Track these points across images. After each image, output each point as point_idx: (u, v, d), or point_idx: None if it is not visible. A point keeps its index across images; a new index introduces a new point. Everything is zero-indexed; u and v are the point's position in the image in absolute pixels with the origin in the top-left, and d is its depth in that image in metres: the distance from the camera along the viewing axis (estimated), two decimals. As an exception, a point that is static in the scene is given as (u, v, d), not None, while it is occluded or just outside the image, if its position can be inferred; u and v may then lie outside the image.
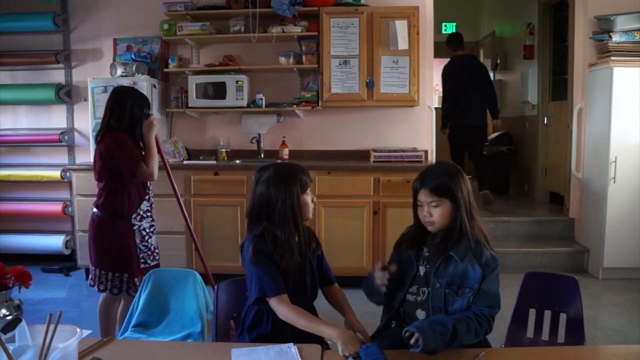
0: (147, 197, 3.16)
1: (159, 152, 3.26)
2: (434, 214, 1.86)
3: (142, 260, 3.10)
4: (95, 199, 3.12)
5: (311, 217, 2.04)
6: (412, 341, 1.61)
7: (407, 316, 1.91)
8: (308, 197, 1.99)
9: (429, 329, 1.62)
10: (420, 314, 1.87)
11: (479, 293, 1.82)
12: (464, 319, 1.74)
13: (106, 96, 4.63)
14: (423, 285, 1.89)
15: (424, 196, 1.87)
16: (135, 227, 3.07)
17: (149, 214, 3.17)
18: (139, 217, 3.10)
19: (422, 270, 1.90)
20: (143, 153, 3.10)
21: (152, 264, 3.15)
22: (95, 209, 3.09)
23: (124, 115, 3.04)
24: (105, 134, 3.04)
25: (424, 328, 1.62)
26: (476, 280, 1.82)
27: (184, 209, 3.65)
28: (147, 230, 3.14)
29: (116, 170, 3.00)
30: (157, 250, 3.23)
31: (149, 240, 3.15)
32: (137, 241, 3.08)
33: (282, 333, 1.94)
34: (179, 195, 3.64)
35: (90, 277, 3.16)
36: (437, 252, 1.88)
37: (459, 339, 1.68)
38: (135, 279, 3.05)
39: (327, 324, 1.83)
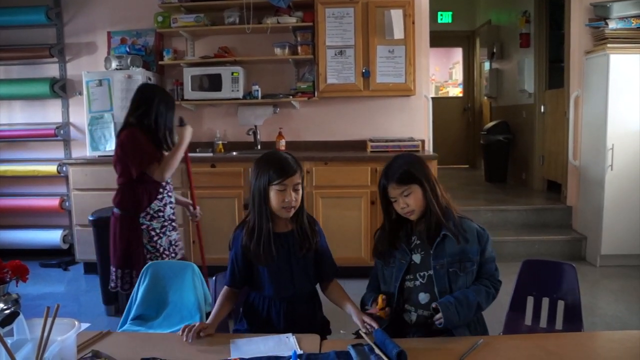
0: (159, 196, 3.03)
1: (185, 161, 3.23)
2: (409, 202, 1.91)
3: (150, 260, 2.92)
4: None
5: (286, 216, 1.96)
6: (436, 318, 1.78)
7: (408, 301, 1.94)
8: (273, 193, 1.91)
9: (453, 309, 1.78)
10: (423, 296, 1.92)
11: (483, 263, 1.95)
12: (483, 290, 1.90)
13: (101, 89, 4.69)
14: (421, 270, 1.93)
15: (393, 190, 1.92)
16: (144, 227, 2.98)
17: (161, 214, 3.03)
18: (148, 217, 2.99)
19: (417, 258, 1.95)
20: (164, 153, 3.04)
21: None
22: (114, 207, 3.07)
23: (148, 113, 2.97)
24: (123, 129, 3.00)
25: (449, 308, 1.78)
26: (475, 253, 1.92)
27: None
28: (157, 231, 3.02)
29: (127, 166, 2.96)
30: (166, 252, 3.08)
31: (158, 241, 3.02)
32: (145, 241, 2.99)
33: (277, 320, 1.96)
34: (195, 197, 3.56)
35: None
36: (428, 236, 1.93)
37: (482, 309, 1.90)
38: None
39: (217, 316, 1.91)
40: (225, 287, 2.03)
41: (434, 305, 1.80)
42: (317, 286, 2.12)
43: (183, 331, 1.75)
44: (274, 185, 1.90)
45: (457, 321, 1.79)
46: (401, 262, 1.95)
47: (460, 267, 1.89)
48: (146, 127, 2.97)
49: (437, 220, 1.90)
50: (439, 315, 1.77)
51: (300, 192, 1.96)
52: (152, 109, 2.98)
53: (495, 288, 1.95)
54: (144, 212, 2.99)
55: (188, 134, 3.15)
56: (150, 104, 2.98)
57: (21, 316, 1.47)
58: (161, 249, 3.06)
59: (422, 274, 1.93)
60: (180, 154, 3.08)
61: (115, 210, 3.04)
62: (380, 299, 1.85)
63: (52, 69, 5.30)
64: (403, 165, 1.94)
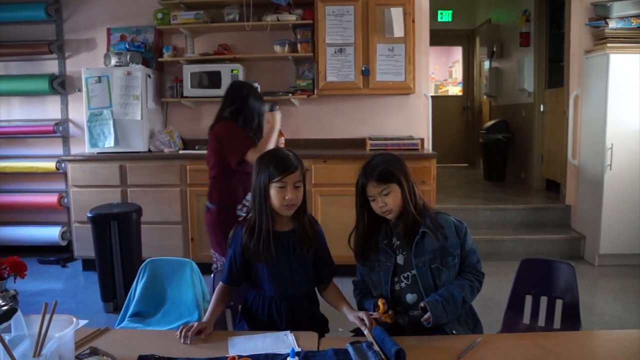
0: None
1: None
2: (388, 201, 1.90)
3: None
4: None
5: (287, 214, 1.94)
6: (424, 318, 1.78)
7: (397, 303, 1.94)
8: (274, 190, 1.89)
9: (440, 307, 1.79)
10: (410, 297, 1.93)
11: (465, 256, 1.95)
12: (467, 284, 1.90)
13: (101, 86, 4.68)
14: (405, 271, 1.94)
15: (373, 189, 1.91)
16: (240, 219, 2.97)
17: None
18: (245, 209, 2.97)
19: (400, 259, 1.95)
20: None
21: None
22: (207, 202, 3.09)
23: (243, 108, 3.04)
24: (216, 123, 3.06)
25: (437, 306, 1.78)
26: (455, 247, 1.93)
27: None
28: None
29: (223, 159, 2.98)
30: None
31: None
32: None
33: (278, 319, 1.96)
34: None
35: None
36: (407, 235, 1.93)
37: (467, 304, 1.91)
38: None
39: (214, 314, 1.90)
40: (221, 283, 2.02)
41: (422, 304, 1.80)
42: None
43: (181, 332, 1.74)
44: (274, 183, 1.88)
45: (445, 319, 1.81)
46: (386, 264, 1.94)
47: (442, 263, 1.90)
48: (241, 121, 3.05)
49: (414, 218, 1.91)
50: (428, 315, 1.77)
51: (302, 190, 1.94)
52: (247, 104, 3.07)
53: (479, 281, 1.95)
54: (240, 205, 2.98)
55: (278, 118, 3.21)
56: (245, 101, 3.07)
57: (19, 312, 1.47)
58: None
59: (406, 274, 1.93)
60: (273, 138, 3.13)
61: (211, 205, 3.05)
62: (380, 302, 1.84)
63: (51, 65, 5.29)
64: (382, 164, 1.94)
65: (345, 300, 2.02)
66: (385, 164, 1.93)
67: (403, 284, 1.94)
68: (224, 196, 2.99)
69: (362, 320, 1.76)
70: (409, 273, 1.93)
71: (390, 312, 1.82)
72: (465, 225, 1.98)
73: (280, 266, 1.95)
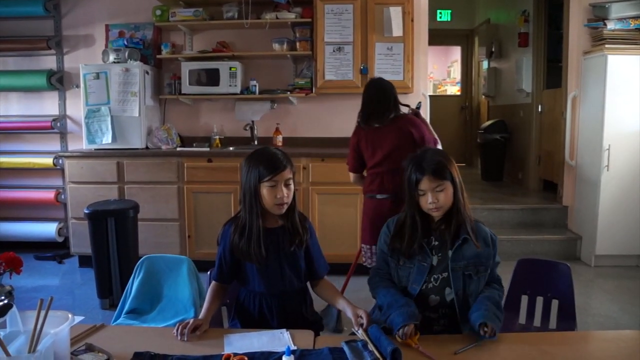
0: None
1: None
2: (440, 198, 1.85)
3: None
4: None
5: (279, 213, 1.93)
6: (489, 333, 1.67)
7: (419, 303, 1.86)
8: (265, 190, 1.88)
9: (495, 318, 1.72)
10: (434, 299, 1.89)
11: (492, 268, 1.92)
12: (497, 296, 1.87)
13: (99, 82, 4.67)
14: (436, 272, 1.89)
15: (427, 183, 1.85)
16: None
17: None
18: None
19: (434, 260, 1.90)
20: None
21: None
22: (380, 194, 3.09)
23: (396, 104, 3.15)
24: (396, 117, 3.12)
25: (493, 318, 1.71)
26: (488, 258, 1.89)
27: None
28: None
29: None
30: None
31: None
32: None
33: (269, 316, 1.97)
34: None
35: None
36: (447, 238, 1.89)
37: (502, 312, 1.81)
38: None
39: (209, 311, 1.91)
40: (214, 282, 2.03)
41: (480, 324, 1.69)
42: (308, 283, 2.10)
43: (177, 329, 1.74)
44: (265, 182, 1.87)
45: (499, 326, 1.73)
46: (422, 264, 1.89)
47: (475, 271, 1.87)
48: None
49: (461, 221, 1.87)
50: (490, 329, 1.67)
51: (292, 187, 1.93)
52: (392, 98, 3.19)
53: (502, 291, 1.93)
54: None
55: None
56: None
57: (14, 308, 1.47)
58: None
59: (436, 276, 1.89)
60: None
61: (387, 196, 3.06)
62: (413, 329, 1.67)
63: (49, 61, 5.28)
64: (437, 157, 1.90)
65: (340, 294, 2.02)
66: (440, 158, 1.89)
67: (430, 285, 1.89)
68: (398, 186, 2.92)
69: (359, 318, 1.74)
70: (439, 275, 1.88)
71: (417, 335, 1.69)
72: (497, 238, 1.95)
73: (270, 263, 1.94)
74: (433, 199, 1.84)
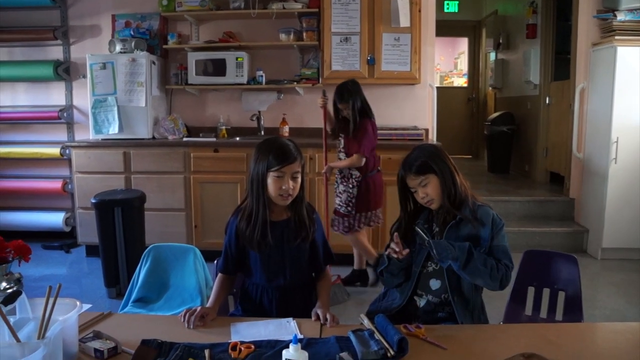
0: None
1: None
2: (428, 192, 1.93)
3: None
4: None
5: (283, 204, 1.93)
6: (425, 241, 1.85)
7: (420, 287, 1.97)
8: (271, 179, 1.87)
9: (444, 243, 1.83)
10: (434, 282, 1.95)
11: (490, 250, 1.90)
12: (483, 254, 1.87)
13: (105, 73, 4.68)
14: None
15: (411, 181, 1.96)
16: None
17: None
18: None
19: None
20: None
21: None
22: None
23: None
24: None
25: (441, 243, 1.83)
26: (486, 239, 1.90)
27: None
28: None
29: None
30: None
31: None
32: None
33: (269, 308, 1.97)
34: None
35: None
36: (444, 223, 1.95)
37: (475, 260, 1.81)
38: None
39: (217, 300, 1.93)
40: (221, 275, 2.03)
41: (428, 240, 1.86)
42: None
43: (184, 315, 1.74)
44: (272, 172, 1.87)
45: (448, 255, 1.80)
46: (423, 246, 1.93)
47: None
48: None
49: (457, 205, 1.93)
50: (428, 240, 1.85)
51: (299, 180, 1.92)
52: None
53: (497, 266, 1.84)
54: None
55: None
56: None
57: (23, 295, 1.48)
58: None
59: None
60: None
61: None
62: (396, 238, 1.90)
63: (56, 52, 5.28)
64: (420, 157, 1.97)
65: (325, 294, 2.01)
66: (423, 157, 1.97)
67: (430, 269, 1.96)
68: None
69: (316, 314, 1.79)
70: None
71: (406, 250, 1.89)
72: (503, 222, 1.96)
73: (272, 255, 1.94)
74: (422, 194, 1.94)
